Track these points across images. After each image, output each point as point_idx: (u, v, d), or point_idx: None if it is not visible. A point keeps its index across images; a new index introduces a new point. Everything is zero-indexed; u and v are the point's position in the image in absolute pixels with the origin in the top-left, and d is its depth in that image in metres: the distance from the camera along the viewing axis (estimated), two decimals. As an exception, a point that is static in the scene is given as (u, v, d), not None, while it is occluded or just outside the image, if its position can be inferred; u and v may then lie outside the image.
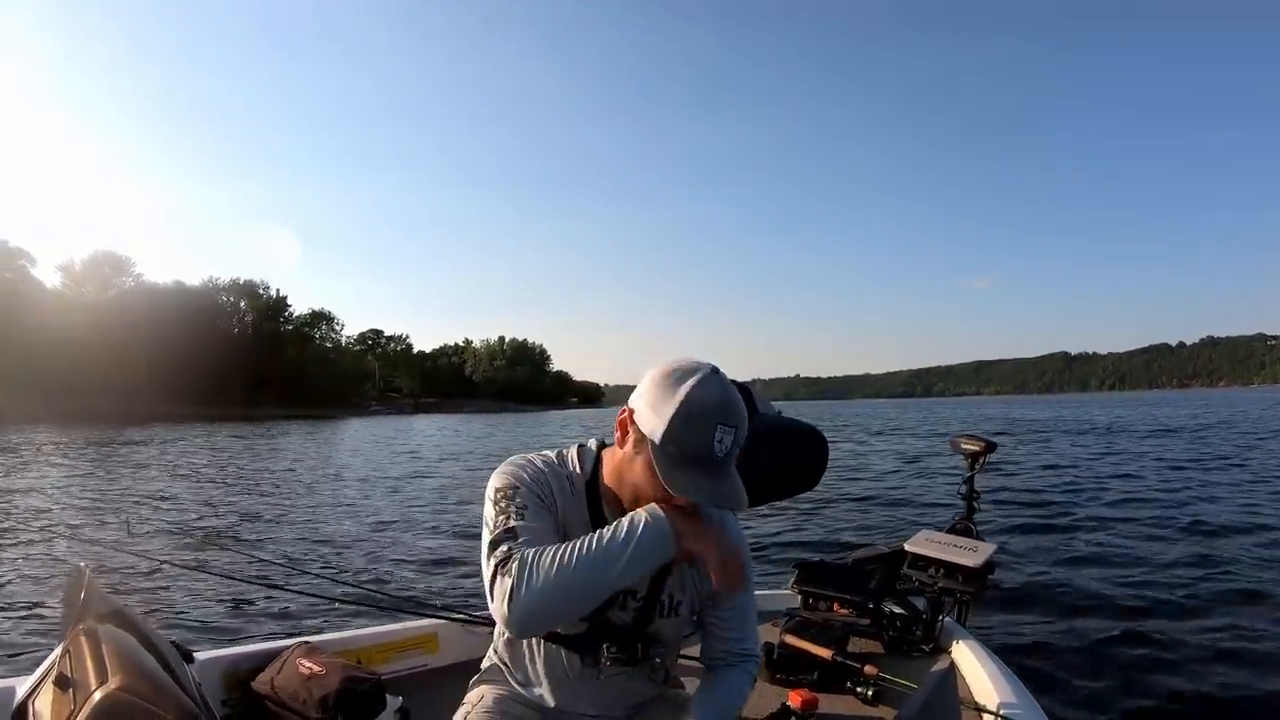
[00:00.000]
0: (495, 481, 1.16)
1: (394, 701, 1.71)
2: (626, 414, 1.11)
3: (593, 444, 1.25)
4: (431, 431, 32.48)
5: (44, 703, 1.15)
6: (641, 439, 1.08)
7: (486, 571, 1.07)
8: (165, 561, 3.90)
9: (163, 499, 8.91)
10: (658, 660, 1.31)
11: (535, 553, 1.03)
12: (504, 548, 1.06)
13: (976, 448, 2.74)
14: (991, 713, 1.66)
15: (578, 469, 1.20)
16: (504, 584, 1.02)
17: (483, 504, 1.16)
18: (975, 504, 2.72)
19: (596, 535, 1.05)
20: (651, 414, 1.05)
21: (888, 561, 2.43)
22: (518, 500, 1.11)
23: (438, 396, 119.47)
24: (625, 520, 1.07)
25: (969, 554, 2.27)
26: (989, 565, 2.28)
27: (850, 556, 2.61)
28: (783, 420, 1.85)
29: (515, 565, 1.02)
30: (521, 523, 1.09)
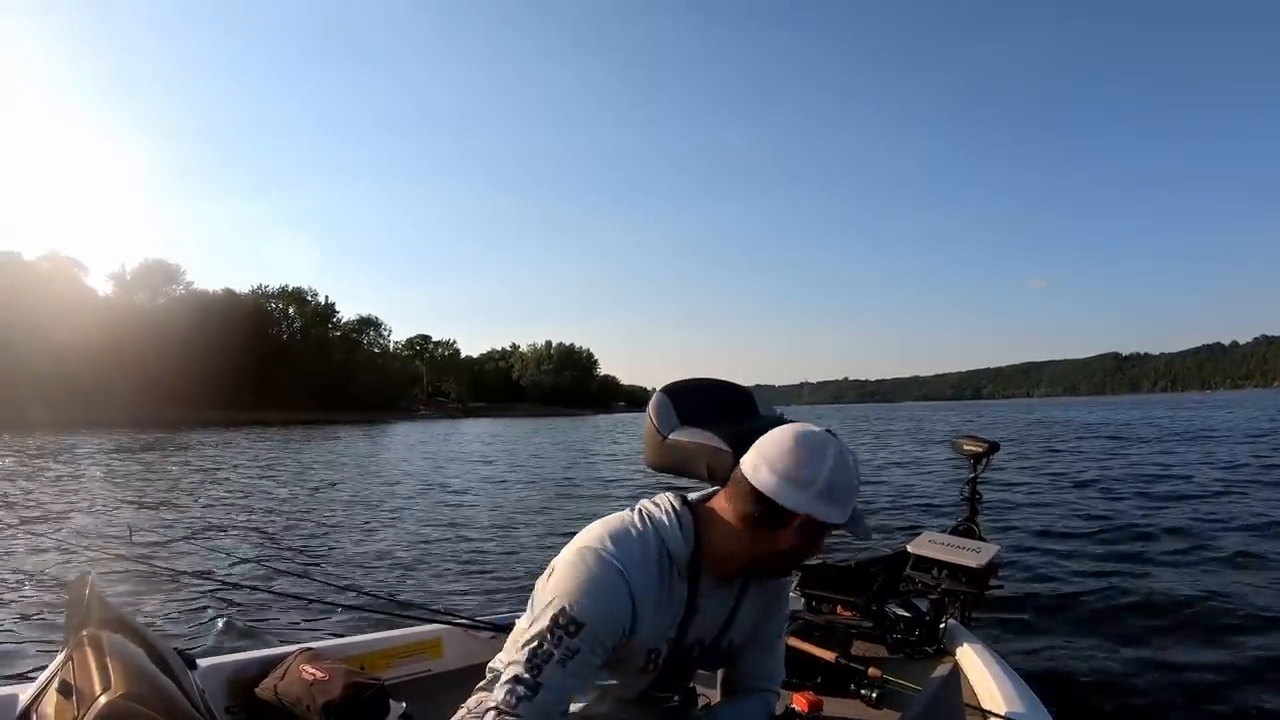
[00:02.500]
0: (572, 590, 1.06)
1: (397, 707, 1.71)
2: (757, 493, 1.09)
3: (681, 505, 1.18)
4: (474, 436, 32.49)
5: (47, 710, 1.15)
6: (787, 515, 1.09)
7: (498, 691, 1.07)
8: (168, 567, 3.89)
9: (173, 505, 8.91)
10: (693, 687, 1.35)
11: None
12: (519, 690, 1.04)
13: (979, 449, 2.75)
14: (997, 715, 1.66)
15: (682, 547, 1.13)
16: None
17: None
18: (978, 505, 2.72)
19: None
20: (801, 490, 1.07)
21: (891, 564, 2.42)
22: (574, 641, 1.04)
23: (485, 401, 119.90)
24: None
25: (972, 555, 2.27)
26: (992, 566, 2.28)
27: (853, 559, 2.61)
28: (785, 423, 1.85)
29: None
30: (556, 674, 1.04)
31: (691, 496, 1.22)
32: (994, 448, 2.75)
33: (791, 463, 1.07)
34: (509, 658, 1.12)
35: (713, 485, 1.69)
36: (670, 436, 1.79)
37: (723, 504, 1.15)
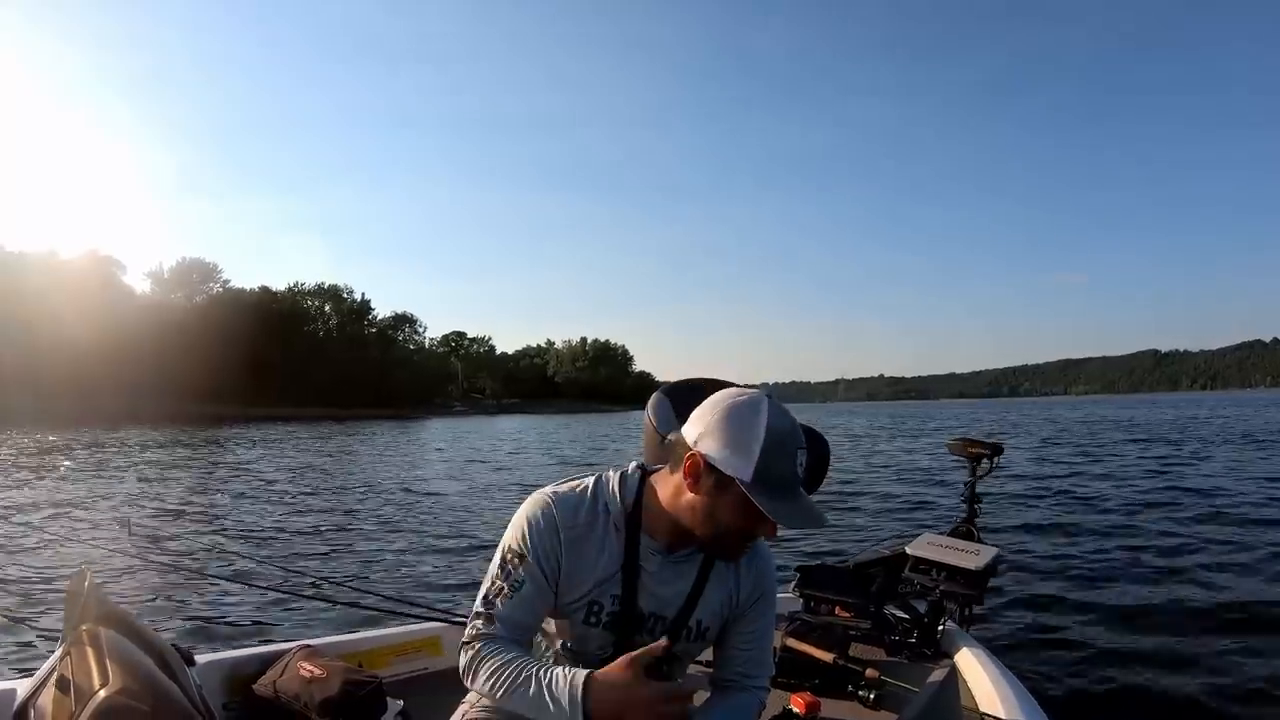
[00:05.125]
0: (513, 530, 1.17)
1: (395, 705, 1.71)
2: (698, 458, 1.08)
3: (633, 469, 1.22)
4: (502, 433, 32.61)
5: (45, 705, 1.15)
6: (724, 481, 1.06)
7: (469, 627, 1.18)
8: (167, 563, 3.90)
9: (180, 501, 8.91)
10: (679, 680, 1.33)
11: (486, 656, 1.12)
12: (479, 623, 1.16)
13: (981, 451, 2.74)
14: (994, 717, 1.66)
15: (618, 502, 1.18)
16: (464, 657, 1.15)
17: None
18: (977, 507, 2.72)
19: (529, 681, 1.07)
20: (734, 455, 1.05)
21: (889, 565, 2.42)
22: (519, 572, 1.15)
23: (520, 397, 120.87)
24: (555, 686, 1.06)
25: (970, 557, 2.27)
26: (990, 568, 2.28)
27: (852, 560, 2.61)
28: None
29: (470, 654, 1.14)
30: (506, 604, 1.15)
31: (653, 466, 1.24)
32: (997, 450, 2.74)
33: (718, 423, 1.08)
34: None
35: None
36: (670, 437, 1.79)
37: (669, 468, 1.17)
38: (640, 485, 1.19)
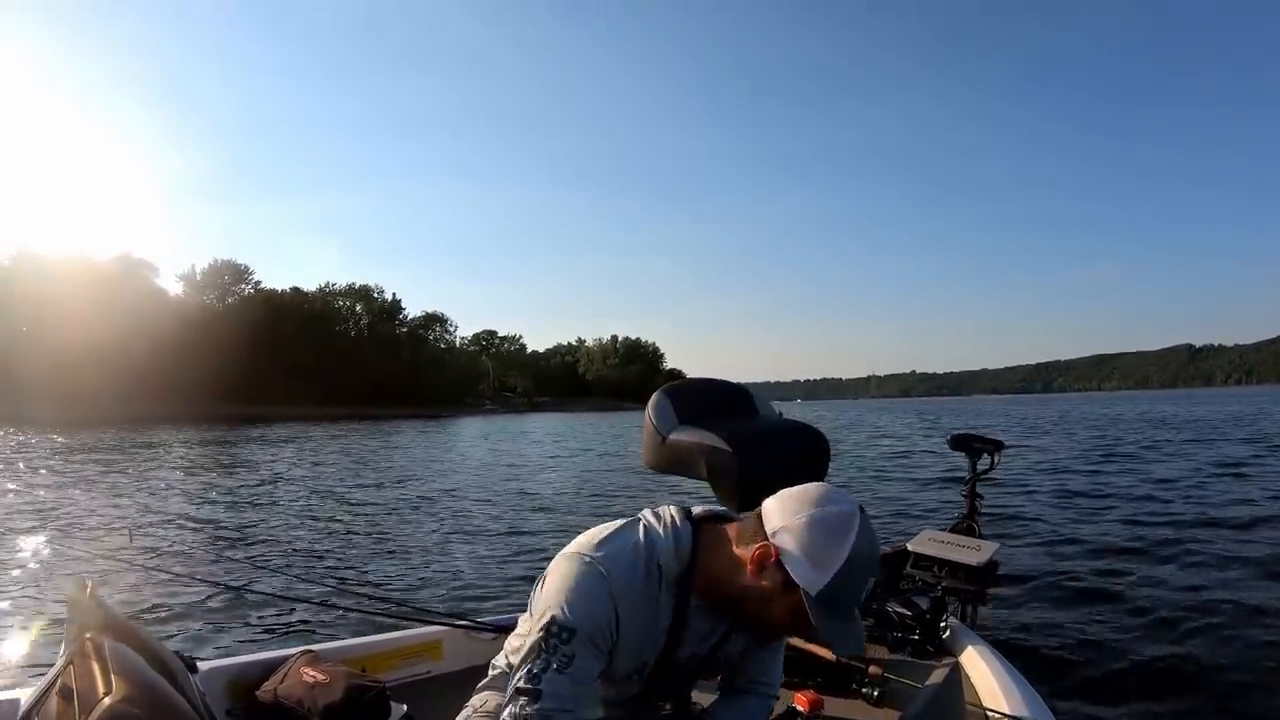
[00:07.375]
0: (559, 597, 1.06)
1: (398, 709, 1.71)
2: (770, 551, 1.05)
3: (681, 520, 1.14)
4: (533, 432, 32.80)
5: (48, 714, 1.15)
6: (790, 584, 1.03)
7: (506, 708, 1.06)
8: (168, 570, 3.90)
9: (185, 505, 8.88)
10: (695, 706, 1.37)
11: None
12: (523, 700, 1.04)
13: (982, 447, 2.75)
14: (998, 713, 1.66)
15: (675, 563, 1.11)
16: None
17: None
18: (978, 503, 2.72)
19: None
20: (811, 567, 1.02)
21: (891, 561, 2.42)
22: (568, 648, 1.04)
23: (551, 395, 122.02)
24: None
25: (972, 553, 2.27)
26: (992, 564, 2.28)
27: None
28: (783, 422, 1.85)
29: None
30: (554, 682, 1.04)
31: (696, 511, 1.18)
32: (998, 446, 2.75)
33: (805, 530, 1.04)
34: (514, 660, 1.13)
35: (713, 485, 1.70)
36: (670, 436, 1.80)
37: (734, 534, 1.11)
38: (694, 540, 1.13)
